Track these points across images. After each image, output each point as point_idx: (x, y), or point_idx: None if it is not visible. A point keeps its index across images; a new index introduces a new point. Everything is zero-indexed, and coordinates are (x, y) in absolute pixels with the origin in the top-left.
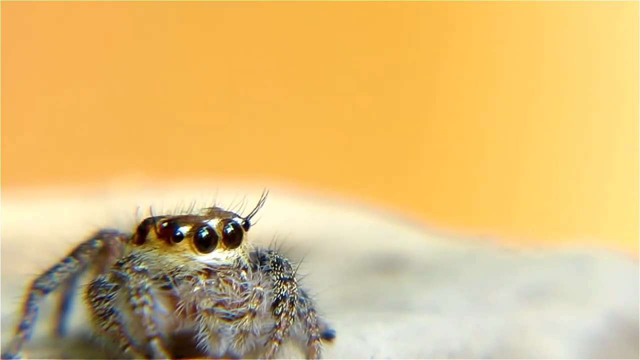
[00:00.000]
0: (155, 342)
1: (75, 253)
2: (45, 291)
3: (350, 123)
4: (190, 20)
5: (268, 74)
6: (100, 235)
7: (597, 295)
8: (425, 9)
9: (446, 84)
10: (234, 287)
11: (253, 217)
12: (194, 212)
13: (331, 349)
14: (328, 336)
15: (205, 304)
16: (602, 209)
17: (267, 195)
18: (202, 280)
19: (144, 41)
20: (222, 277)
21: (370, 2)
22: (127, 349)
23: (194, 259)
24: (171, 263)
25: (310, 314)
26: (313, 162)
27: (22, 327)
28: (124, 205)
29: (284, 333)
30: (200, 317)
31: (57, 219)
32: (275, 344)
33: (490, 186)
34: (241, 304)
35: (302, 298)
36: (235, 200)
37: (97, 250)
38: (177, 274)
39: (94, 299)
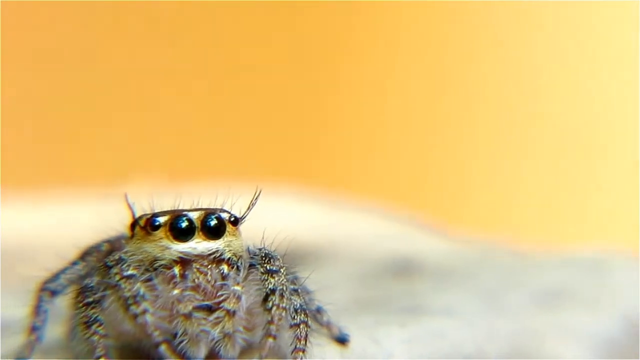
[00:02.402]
0: (163, 348)
1: (83, 256)
2: (53, 292)
3: (363, 126)
4: (194, 23)
5: (274, 76)
6: (108, 238)
7: (611, 299)
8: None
9: (458, 89)
10: (209, 278)
11: (247, 214)
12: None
13: (345, 352)
14: (342, 340)
15: (183, 308)
16: (616, 213)
17: (259, 194)
18: (177, 270)
19: (151, 44)
20: (197, 268)
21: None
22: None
23: (170, 248)
24: (150, 253)
25: (302, 315)
26: (328, 165)
27: (33, 329)
28: (138, 207)
29: (278, 327)
30: (179, 321)
31: (71, 221)
32: (270, 339)
33: (503, 190)
34: (218, 304)
35: (294, 287)
36: (245, 201)
37: (104, 253)
38: (155, 264)
39: (81, 305)
